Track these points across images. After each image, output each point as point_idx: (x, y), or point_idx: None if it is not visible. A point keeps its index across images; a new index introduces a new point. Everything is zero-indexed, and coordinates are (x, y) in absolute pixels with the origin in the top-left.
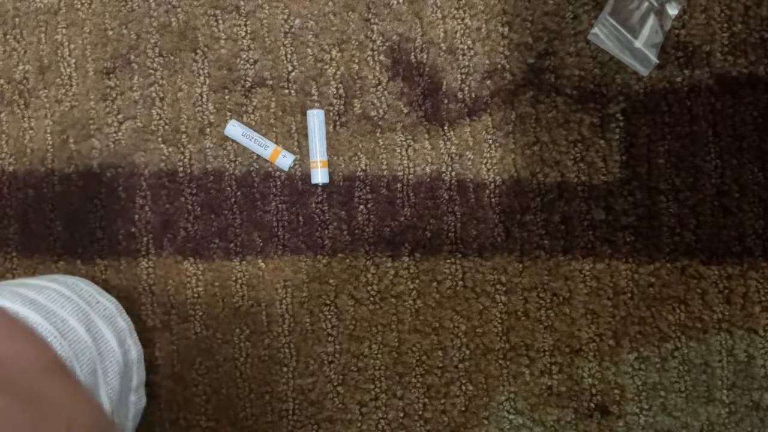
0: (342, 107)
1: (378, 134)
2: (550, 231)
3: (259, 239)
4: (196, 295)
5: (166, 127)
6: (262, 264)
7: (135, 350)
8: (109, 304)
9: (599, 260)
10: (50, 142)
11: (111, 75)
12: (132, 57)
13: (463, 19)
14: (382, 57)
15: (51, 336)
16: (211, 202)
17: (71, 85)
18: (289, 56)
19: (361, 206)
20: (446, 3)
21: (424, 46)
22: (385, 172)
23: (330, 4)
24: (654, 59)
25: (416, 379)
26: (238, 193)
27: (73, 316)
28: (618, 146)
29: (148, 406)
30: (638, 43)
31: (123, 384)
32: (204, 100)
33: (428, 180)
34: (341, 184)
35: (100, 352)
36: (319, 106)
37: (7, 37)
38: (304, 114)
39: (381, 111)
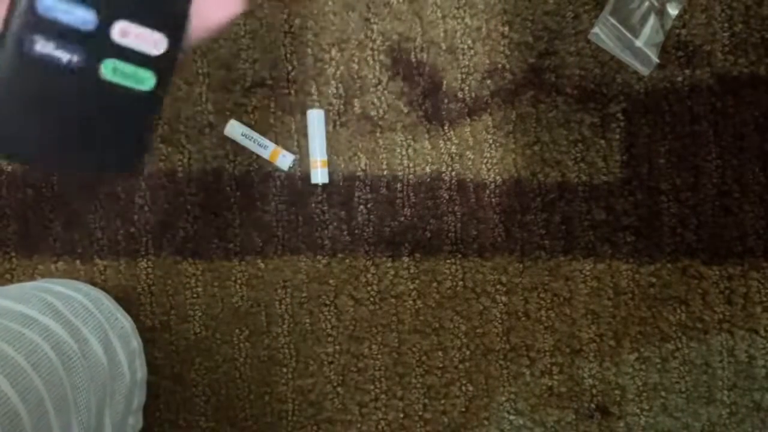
0: (342, 107)
1: (378, 134)
2: (551, 231)
3: (258, 239)
4: (195, 295)
5: (166, 127)
6: (262, 264)
7: (141, 372)
8: (125, 322)
9: (600, 260)
10: None
11: None
12: None
13: (463, 19)
14: (382, 57)
15: (75, 357)
16: (210, 202)
17: None
18: (289, 56)
19: (361, 206)
20: (446, 3)
21: (424, 45)
22: (385, 172)
23: (330, 3)
24: (655, 59)
25: (416, 380)
26: (238, 193)
27: (94, 335)
28: (619, 146)
29: (148, 406)
30: (639, 43)
31: (126, 406)
32: (204, 100)
33: (428, 180)
34: (341, 184)
35: (112, 374)
36: (319, 106)
37: None
38: (304, 114)
39: (381, 111)
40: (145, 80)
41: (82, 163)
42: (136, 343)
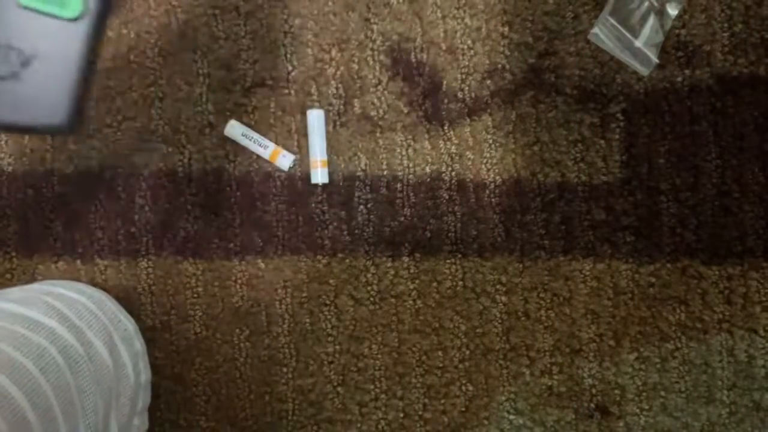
0: (342, 107)
1: (378, 134)
2: (551, 231)
3: (258, 239)
4: (195, 295)
5: (166, 127)
6: (262, 264)
7: (145, 374)
8: (128, 324)
9: (600, 260)
10: (49, 142)
11: (111, 75)
12: (132, 57)
13: (463, 19)
14: (382, 57)
15: (81, 360)
16: (210, 202)
17: None
18: (288, 56)
19: (361, 206)
20: (446, 3)
21: (424, 46)
22: (385, 172)
23: (330, 3)
24: (654, 59)
25: (416, 380)
26: (238, 193)
27: (98, 337)
28: (618, 146)
29: (149, 406)
30: (638, 43)
31: (131, 408)
32: (204, 100)
33: (428, 180)
34: (341, 184)
35: (117, 377)
36: (319, 106)
37: None
38: (304, 114)
39: (381, 111)
40: (69, 4)
41: (3, 118)
42: (139, 344)
